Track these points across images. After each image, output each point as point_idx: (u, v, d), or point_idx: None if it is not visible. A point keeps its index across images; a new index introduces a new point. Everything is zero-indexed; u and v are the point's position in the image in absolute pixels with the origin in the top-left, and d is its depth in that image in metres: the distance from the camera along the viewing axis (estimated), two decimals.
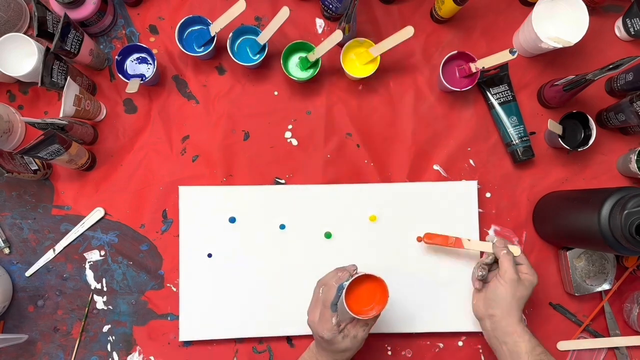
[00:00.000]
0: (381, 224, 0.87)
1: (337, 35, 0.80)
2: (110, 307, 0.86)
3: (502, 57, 0.79)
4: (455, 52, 0.84)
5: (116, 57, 0.84)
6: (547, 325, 0.87)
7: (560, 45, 0.81)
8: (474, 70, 0.83)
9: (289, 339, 0.86)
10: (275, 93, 0.90)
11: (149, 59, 0.86)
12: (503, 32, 0.91)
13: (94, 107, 0.84)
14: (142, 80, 0.84)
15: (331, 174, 0.88)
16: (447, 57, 0.83)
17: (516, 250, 0.79)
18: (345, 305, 0.68)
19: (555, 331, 0.87)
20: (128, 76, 0.86)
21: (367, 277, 0.70)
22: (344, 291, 0.68)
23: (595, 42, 0.90)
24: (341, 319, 0.71)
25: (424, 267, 0.86)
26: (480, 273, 0.80)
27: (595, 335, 0.87)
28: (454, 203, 0.87)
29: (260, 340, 0.86)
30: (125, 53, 0.85)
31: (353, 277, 0.69)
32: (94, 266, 0.86)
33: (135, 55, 0.86)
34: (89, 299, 0.86)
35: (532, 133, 0.89)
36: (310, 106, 0.89)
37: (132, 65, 0.86)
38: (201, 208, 0.86)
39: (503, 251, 0.78)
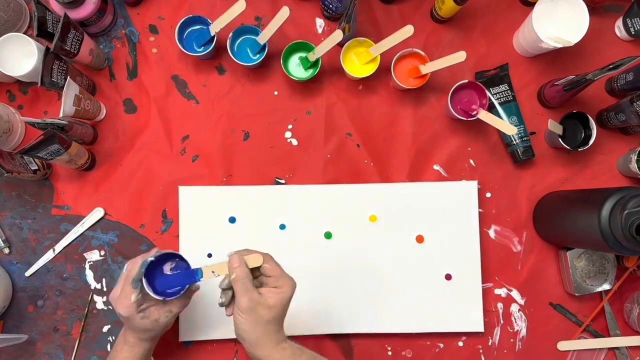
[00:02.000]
0: (381, 224, 0.87)
1: (337, 35, 0.80)
2: (110, 307, 0.86)
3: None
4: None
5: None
6: (547, 325, 0.87)
7: (560, 45, 0.81)
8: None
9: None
10: (275, 93, 0.90)
11: None
12: (503, 32, 0.91)
13: (94, 107, 0.84)
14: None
15: (331, 174, 0.88)
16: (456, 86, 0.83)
17: (255, 260, 0.65)
18: (145, 284, 0.67)
19: (555, 331, 0.87)
20: None
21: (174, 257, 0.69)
22: (145, 269, 0.67)
23: (595, 42, 0.90)
24: (145, 299, 0.68)
25: (423, 267, 0.86)
26: (220, 301, 0.67)
27: (596, 335, 0.87)
28: (454, 203, 0.87)
29: None
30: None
31: (157, 255, 0.67)
32: (94, 266, 0.86)
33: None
34: (89, 299, 0.86)
35: (532, 133, 0.89)
36: (310, 106, 0.89)
37: None
38: (201, 208, 0.86)
39: (232, 275, 0.63)
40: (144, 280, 0.67)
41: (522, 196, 0.89)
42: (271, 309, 0.62)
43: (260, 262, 0.65)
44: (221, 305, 0.67)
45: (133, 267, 0.68)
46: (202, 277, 0.66)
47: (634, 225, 0.66)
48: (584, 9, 0.82)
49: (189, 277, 0.68)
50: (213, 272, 0.66)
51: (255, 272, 0.66)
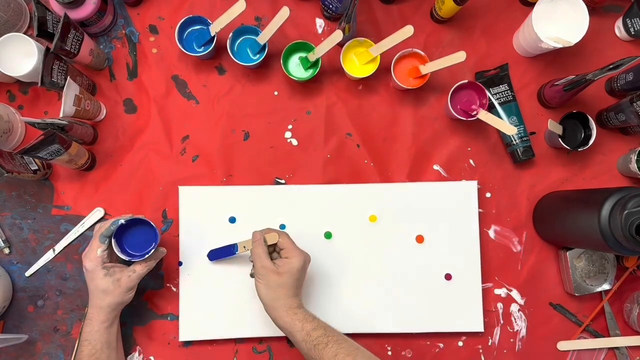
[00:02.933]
0: (381, 224, 0.87)
1: (337, 35, 0.80)
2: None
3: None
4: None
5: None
6: (547, 325, 0.87)
7: (560, 45, 0.81)
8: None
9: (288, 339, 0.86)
10: (275, 93, 0.90)
11: None
12: (503, 32, 0.91)
13: (94, 107, 0.84)
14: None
15: (331, 174, 0.88)
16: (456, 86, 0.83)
17: (272, 238, 0.76)
18: (114, 243, 0.74)
19: (555, 331, 0.87)
20: None
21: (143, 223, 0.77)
22: (115, 228, 0.74)
23: (595, 42, 0.90)
24: (111, 259, 0.77)
25: (423, 267, 0.86)
26: (250, 272, 0.79)
27: (596, 335, 0.87)
28: (454, 203, 0.87)
29: (260, 340, 0.86)
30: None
31: (128, 218, 0.76)
32: None
33: None
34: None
35: (532, 133, 0.89)
36: (310, 106, 0.89)
37: None
38: (201, 208, 0.86)
39: (252, 248, 0.76)
40: (113, 240, 0.74)
41: (522, 196, 0.89)
42: (280, 275, 0.73)
43: (276, 239, 0.76)
44: (251, 276, 0.78)
45: (104, 225, 0.76)
46: (237, 250, 0.81)
47: (634, 225, 0.66)
48: (583, 9, 0.82)
49: (228, 250, 0.82)
50: (244, 247, 0.80)
51: (277, 247, 0.78)
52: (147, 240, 0.77)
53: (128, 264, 0.77)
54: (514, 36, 0.91)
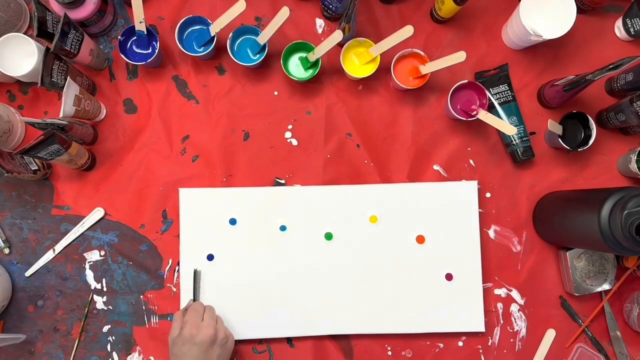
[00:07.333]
0: (381, 225, 0.87)
1: (337, 35, 0.80)
2: (110, 307, 0.86)
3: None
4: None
5: (119, 37, 0.83)
6: (546, 325, 0.87)
7: (543, 38, 0.80)
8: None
9: (289, 339, 0.86)
10: (275, 93, 0.90)
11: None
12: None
13: (94, 107, 0.84)
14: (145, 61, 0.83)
15: (331, 174, 0.88)
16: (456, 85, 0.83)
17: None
18: None
19: (555, 331, 0.87)
20: (132, 58, 0.84)
21: None
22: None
23: (595, 42, 0.90)
24: None
25: (424, 267, 0.86)
26: None
27: (593, 341, 0.87)
28: (454, 203, 0.87)
29: (260, 340, 0.86)
30: (127, 34, 0.84)
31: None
32: (94, 266, 0.86)
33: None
34: (89, 299, 0.86)
35: (532, 133, 0.89)
36: (311, 106, 0.89)
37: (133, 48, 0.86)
38: (201, 210, 0.86)
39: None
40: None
41: (522, 196, 0.89)
42: (190, 345, 0.75)
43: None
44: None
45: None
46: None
47: (634, 225, 0.66)
48: (571, 2, 0.81)
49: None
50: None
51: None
52: None
53: None
54: (503, 29, 0.90)
